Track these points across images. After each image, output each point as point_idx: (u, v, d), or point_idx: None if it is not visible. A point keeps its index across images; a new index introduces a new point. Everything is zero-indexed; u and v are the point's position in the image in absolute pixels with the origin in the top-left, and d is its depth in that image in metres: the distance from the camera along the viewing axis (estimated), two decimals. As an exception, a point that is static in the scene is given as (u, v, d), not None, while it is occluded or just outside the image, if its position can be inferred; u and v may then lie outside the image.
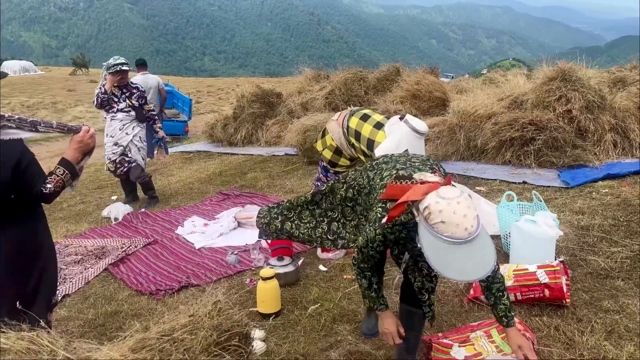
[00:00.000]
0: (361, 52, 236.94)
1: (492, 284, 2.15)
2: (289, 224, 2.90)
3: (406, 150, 3.28)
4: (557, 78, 6.16)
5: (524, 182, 5.39)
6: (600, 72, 8.13)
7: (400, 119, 3.56)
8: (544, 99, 6.13)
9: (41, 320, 2.03)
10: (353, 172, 2.56)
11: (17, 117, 2.21)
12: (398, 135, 3.45)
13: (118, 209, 5.50)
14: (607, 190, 4.91)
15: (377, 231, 2.08)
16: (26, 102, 28.17)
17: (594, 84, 6.39)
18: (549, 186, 5.23)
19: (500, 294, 2.16)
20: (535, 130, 5.79)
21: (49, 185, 2.20)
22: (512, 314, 2.19)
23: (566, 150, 5.74)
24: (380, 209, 2.10)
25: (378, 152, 3.47)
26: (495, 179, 5.56)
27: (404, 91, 7.55)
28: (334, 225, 2.72)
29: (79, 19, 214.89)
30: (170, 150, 9.51)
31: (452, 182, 2.02)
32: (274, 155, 7.99)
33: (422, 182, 1.94)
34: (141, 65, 8.57)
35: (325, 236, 2.75)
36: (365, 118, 3.73)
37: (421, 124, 3.51)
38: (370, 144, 3.61)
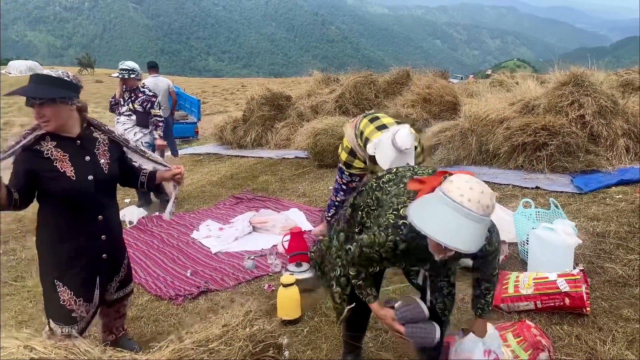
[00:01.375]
0: (365, 52, 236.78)
1: (483, 281, 2.21)
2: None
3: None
4: (570, 83, 6.16)
5: (537, 188, 5.40)
6: (609, 74, 8.13)
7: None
8: (556, 104, 6.13)
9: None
10: (359, 195, 2.39)
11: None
12: (384, 151, 3.44)
13: (132, 213, 5.53)
14: (620, 196, 4.91)
15: (390, 237, 1.97)
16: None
17: (605, 89, 6.39)
18: (562, 192, 5.24)
19: (487, 292, 2.23)
20: (547, 136, 5.80)
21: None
22: (490, 309, 2.28)
23: (579, 155, 5.74)
24: (392, 215, 1.99)
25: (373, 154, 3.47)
26: (508, 184, 5.57)
27: (414, 95, 7.57)
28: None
29: (84, 19, 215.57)
30: (179, 152, 9.56)
31: None
32: (284, 158, 8.02)
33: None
34: (152, 68, 8.59)
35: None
36: (373, 120, 3.72)
37: (405, 141, 3.39)
38: (366, 142, 3.60)
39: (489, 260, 2.14)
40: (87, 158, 2.40)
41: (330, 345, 2.90)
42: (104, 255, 2.51)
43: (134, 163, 2.68)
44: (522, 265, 3.65)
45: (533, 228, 3.48)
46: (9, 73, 43.79)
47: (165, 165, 2.70)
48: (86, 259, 2.45)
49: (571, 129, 5.81)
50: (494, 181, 5.70)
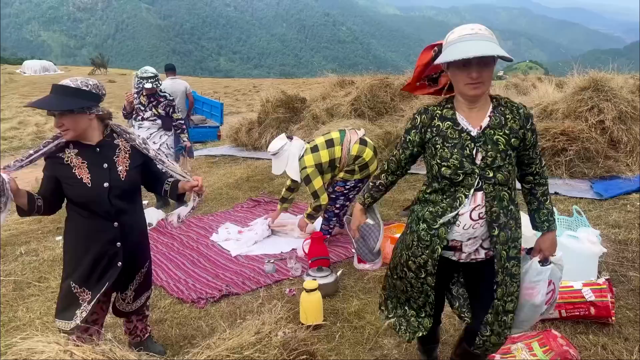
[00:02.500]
0: (376, 54, 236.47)
1: (536, 185, 2.12)
2: None
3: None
4: (589, 88, 6.13)
5: (556, 193, 5.37)
6: (625, 77, 8.06)
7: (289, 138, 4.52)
8: (575, 109, 6.10)
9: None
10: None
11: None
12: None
13: (151, 215, 5.58)
14: (642, 203, 4.88)
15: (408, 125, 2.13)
16: (47, 102, 28.60)
17: (625, 94, 6.34)
18: (582, 197, 5.21)
19: (545, 198, 2.14)
20: (567, 141, 5.78)
21: None
22: (554, 218, 2.18)
23: (598, 161, 5.71)
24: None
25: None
26: (526, 189, 5.54)
27: (431, 98, 7.53)
28: None
29: (97, 19, 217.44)
30: (195, 153, 9.61)
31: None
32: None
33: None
34: (170, 70, 8.67)
35: None
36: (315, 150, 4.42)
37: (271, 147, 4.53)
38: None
39: (534, 143, 2.03)
40: (105, 165, 2.44)
41: (354, 352, 2.91)
42: (119, 262, 2.51)
43: (159, 167, 2.72)
44: (544, 273, 3.63)
45: (557, 236, 3.46)
46: (24, 72, 44.33)
47: (183, 177, 2.72)
48: (100, 265, 2.48)
49: (591, 134, 5.78)
50: (512, 186, 5.68)
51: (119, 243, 2.50)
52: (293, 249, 4.52)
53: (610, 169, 5.68)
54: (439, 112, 2.03)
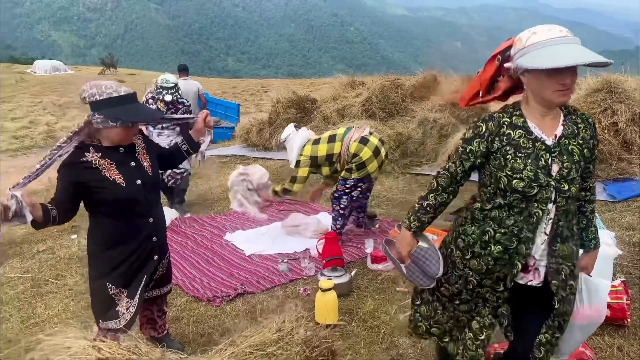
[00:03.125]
0: (384, 54, 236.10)
1: (587, 202, 2.02)
2: None
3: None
4: (603, 89, 6.11)
5: (569, 195, 5.36)
6: (636, 78, 8.01)
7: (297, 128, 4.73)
8: (588, 111, 6.07)
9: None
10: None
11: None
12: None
13: (165, 215, 5.61)
14: (655, 205, 4.86)
15: (460, 140, 1.96)
16: (57, 101, 28.86)
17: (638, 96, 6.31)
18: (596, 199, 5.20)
19: (592, 215, 2.06)
20: (579, 143, 5.76)
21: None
22: (599, 236, 2.10)
23: (611, 163, 5.70)
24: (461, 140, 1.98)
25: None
26: (539, 191, 5.54)
27: (442, 99, 7.55)
28: None
29: (107, 19, 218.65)
30: (206, 153, 9.68)
31: None
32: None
33: None
34: (183, 71, 8.75)
35: None
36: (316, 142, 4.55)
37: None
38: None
39: (595, 156, 1.96)
40: (132, 164, 2.48)
41: (370, 351, 2.93)
42: (155, 256, 2.60)
43: (167, 147, 2.88)
44: (558, 274, 3.64)
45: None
46: (34, 72, 44.68)
47: (190, 118, 2.92)
48: (139, 261, 2.53)
49: (604, 136, 5.77)
50: (525, 188, 5.68)
51: (154, 237, 2.57)
52: (306, 249, 4.55)
53: (624, 171, 5.66)
54: (507, 119, 1.86)
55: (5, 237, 5.58)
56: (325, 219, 5.08)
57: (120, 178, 2.42)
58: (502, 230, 1.89)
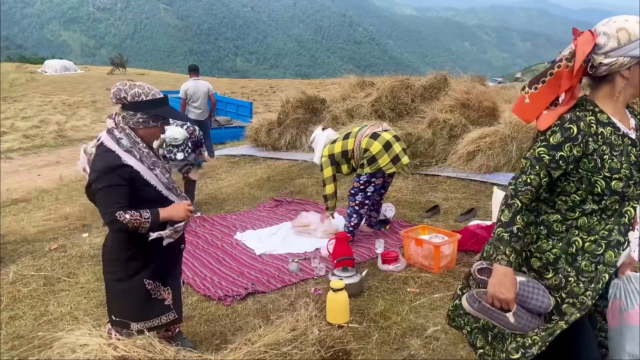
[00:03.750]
0: (393, 54, 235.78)
1: None
2: None
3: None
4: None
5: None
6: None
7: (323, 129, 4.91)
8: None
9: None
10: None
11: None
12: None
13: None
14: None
15: (540, 147, 1.70)
16: (67, 101, 29.08)
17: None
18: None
19: None
20: (591, 144, 5.72)
21: (127, 216, 2.28)
22: None
23: None
24: (539, 141, 1.74)
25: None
26: (550, 192, 5.51)
27: (452, 100, 7.53)
28: None
29: (116, 19, 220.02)
30: (216, 152, 9.71)
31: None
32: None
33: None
34: (193, 71, 8.79)
35: None
36: (333, 141, 4.74)
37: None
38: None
39: None
40: (159, 163, 2.55)
41: (381, 351, 2.93)
42: (182, 245, 2.74)
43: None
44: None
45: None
46: (45, 72, 45.05)
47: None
48: (173, 254, 2.65)
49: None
50: (536, 189, 5.65)
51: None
52: (317, 249, 4.55)
53: None
54: (592, 117, 1.71)
55: (17, 235, 5.64)
56: (335, 219, 5.08)
57: (153, 176, 2.47)
58: (592, 238, 1.74)
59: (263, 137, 9.62)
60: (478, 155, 6.43)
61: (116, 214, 2.26)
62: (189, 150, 5.33)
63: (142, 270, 2.49)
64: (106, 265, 2.58)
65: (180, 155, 5.25)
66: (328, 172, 4.65)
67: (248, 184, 7.23)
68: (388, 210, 5.07)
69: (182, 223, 2.52)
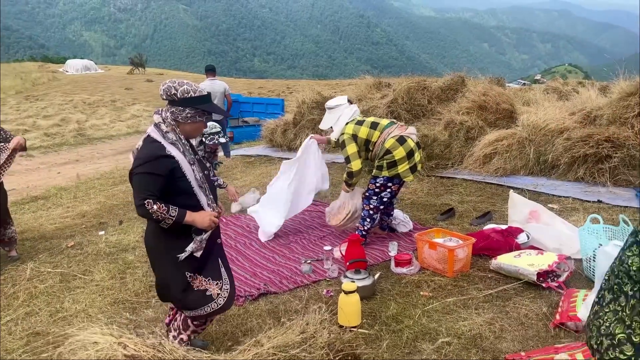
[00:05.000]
0: (410, 55, 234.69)
1: None
2: None
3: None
4: (636, 93, 5.95)
5: (599, 201, 5.23)
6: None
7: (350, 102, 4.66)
8: (621, 115, 5.93)
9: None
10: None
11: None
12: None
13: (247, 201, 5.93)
14: (691, 213, 4.71)
15: None
16: (87, 100, 29.53)
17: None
18: (627, 206, 5.06)
19: None
20: (611, 148, 5.62)
21: (154, 206, 2.38)
22: None
23: (645, 169, 5.53)
24: None
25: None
26: (568, 197, 5.42)
27: (470, 102, 7.46)
28: None
29: (136, 20, 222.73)
30: (231, 153, 9.77)
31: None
32: (334, 162, 8.05)
33: None
34: (210, 71, 8.85)
35: None
36: (359, 123, 4.51)
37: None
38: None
39: None
40: (196, 157, 2.63)
41: (392, 355, 2.90)
42: (218, 239, 2.78)
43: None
44: (587, 283, 3.55)
45: (600, 245, 3.38)
46: (66, 71, 45.82)
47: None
48: (212, 246, 2.69)
49: (637, 141, 5.61)
50: (553, 193, 5.57)
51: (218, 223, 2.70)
52: (329, 250, 4.54)
53: (658, 178, 5.49)
54: None
55: (35, 233, 5.72)
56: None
57: (191, 170, 2.54)
58: None
59: (278, 138, 9.66)
60: (495, 158, 6.36)
61: (145, 201, 2.36)
62: (226, 136, 5.63)
63: (186, 262, 2.55)
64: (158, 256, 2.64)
65: (222, 139, 5.52)
66: (352, 148, 4.40)
67: (263, 185, 7.21)
68: (401, 225, 4.96)
69: (206, 235, 2.55)
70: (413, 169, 4.38)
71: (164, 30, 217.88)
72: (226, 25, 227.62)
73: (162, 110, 2.57)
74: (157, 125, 2.52)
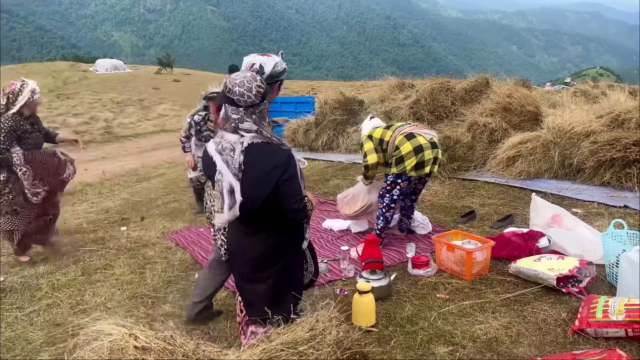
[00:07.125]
0: (437, 57, 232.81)
1: None
2: None
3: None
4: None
5: (626, 207, 5.09)
6: None
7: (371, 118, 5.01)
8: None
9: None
10: None
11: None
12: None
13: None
14: None
15: None
16: (116, 99, 30.11)
17: None
18: (655, 212, 4.91)
19: None
20: (639, 152, 5.46)
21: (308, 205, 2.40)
22: None
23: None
24: None
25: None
26: (593, 201, 5.29)
27: (494, 103, 7.35)
28: None
29: (165, 20, 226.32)
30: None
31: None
32: (354, 162, 8.04)
33: None
34: (233, 72, 8.92)
35: None
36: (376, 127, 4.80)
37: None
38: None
39: None
40: None
41: (405, 356, 2.88)
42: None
43: None
44: (610, 289, 3.46)
45: (624, 250, 3.29)
46: (96, 70, 46.81)
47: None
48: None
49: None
50: (578, 197, 5.44)
51: None
52: (346, 250, 4.53)
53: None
54: None
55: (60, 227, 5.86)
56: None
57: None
58: None
59: (300, 138, 9.68)
60: (518, 161, 6.25)
61: (305, 199, 2.36)
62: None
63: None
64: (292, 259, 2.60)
65: None
66: (369, 145, 4.61)
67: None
68: (420, 227, 4.94)
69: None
70: (418, 167, 4.33)
71: (192, 31, 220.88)
72: (253, 26, 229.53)
73: (242, 118, 2.36)
74: (259, 132, 2.37)
